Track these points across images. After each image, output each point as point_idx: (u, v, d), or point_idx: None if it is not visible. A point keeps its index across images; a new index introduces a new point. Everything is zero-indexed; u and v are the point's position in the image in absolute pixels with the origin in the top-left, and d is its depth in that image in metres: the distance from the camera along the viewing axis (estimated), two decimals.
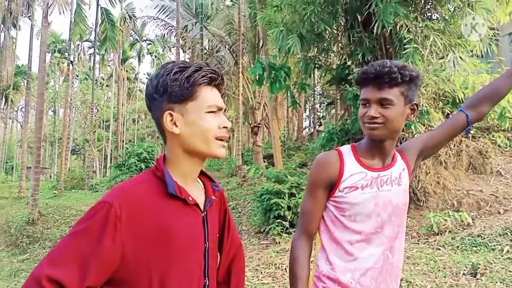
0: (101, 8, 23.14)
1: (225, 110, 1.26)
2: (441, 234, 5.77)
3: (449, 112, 6.98)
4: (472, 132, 7.45)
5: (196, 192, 1.27)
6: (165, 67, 1.21)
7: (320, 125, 26.64)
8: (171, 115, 1.19)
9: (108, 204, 1.09)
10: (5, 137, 36.53)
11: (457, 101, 6.79)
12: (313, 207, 1.60)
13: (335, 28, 7.69)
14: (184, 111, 1.19)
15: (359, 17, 6.58)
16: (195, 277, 1.22)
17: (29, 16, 23.21)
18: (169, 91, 1.17)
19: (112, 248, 1.07)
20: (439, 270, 4.60)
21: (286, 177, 7.84)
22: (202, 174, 1.37)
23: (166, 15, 20.63)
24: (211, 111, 1.21)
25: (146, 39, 42.90)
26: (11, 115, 40.08)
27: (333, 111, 23.08)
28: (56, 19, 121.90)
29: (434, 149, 1.77)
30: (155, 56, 44.71)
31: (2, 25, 23.11)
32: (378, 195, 1.55)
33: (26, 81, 22.77)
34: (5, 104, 27.80)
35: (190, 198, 1.21)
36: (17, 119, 44.07)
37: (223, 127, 1.23)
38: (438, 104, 7.01)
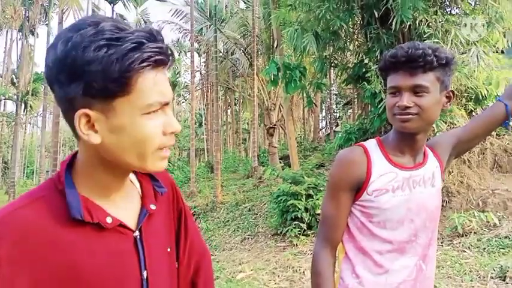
0: (116, 13, 23.39)
1: (167, 104, 0.82)
2: (466, 235, 5.56)
3: (472, 109, 6.75)
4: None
5: (126, 205, 0.90)
6: (81, 32, 0.73)
7: (337, 125, 26.34)
8: (88, 116, 0.75)
9: None
10: (24, 142, 37.22)
11: (480, 97, 6.56)
12: (336, 213, 1.38)
13: (351, 26, 7.54)
14: (109, 110, 0.76)
15: (376, 13, 6.42)
16: None
17: (46, 23, 23.60)
18: (86, 78, 0.72)
19: None
20: (465, 274, 4.42)
21: (303, 178, 7.69)
22: (140, 173, 0.98)
23: (181, 19, 20.74)
24: (152, 111, 0.78)
25: None
26: (31, 120, 40.87)
27: (350, 111, 22.82)
28: None
29: (470, 143, 1.55)
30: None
31: (20, 33, 23.55)
32: (411, 198, 1.34)
33: (43, 87, 23.11)
34: (24, 110, 28.28)
35: (109, 220, 0.83)
36: (37, 125, 44.89)
37: (170, 132, 0.82)
38: (461, 101, 6.77)
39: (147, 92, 0.76)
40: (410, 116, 1.27)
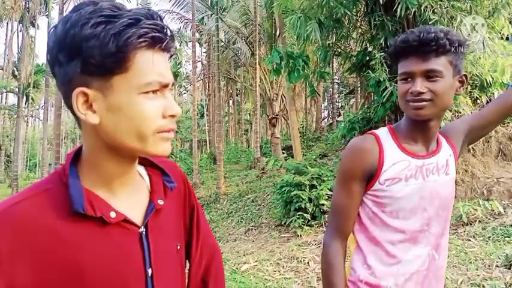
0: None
1: (173, 85, 0.82)
2: (471, 224, 5.53)
3: (477, 96, 6.67)
4: None
5: (133, 199, 0.88)
6: (80, 11, 0.73)
7: (339, 115, 26.28)
8: (85, 95, 0.75)
9: None
10: (27, 135, 37.30)
11: (485, 84, 6.47)
12: (347, 203, 1.35)
13: (354, 13, 7.42)
14: (107, 89, 0.75)
15: (380, 0, 6.30)
16: None
17: (47, 14, 23.49)
18: (83, 55, 0.72)
19: None
20: (471, 263, 4.39)
21: (307, 168, 7.65)
22: (150, 165, 0.96)
23: (181, 8, 20.57)
24: (151, 91, 0.77)
25: None
26: (33, 113, 40.89)
27: (352, 100, 22.71)
28: None
29: (483, 130, 1.52)
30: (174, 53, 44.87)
31: (20, 24, 23.46)
32: (424, 186, 1.31)
33: (45, 79, 23.07)
34: (26, 103, 28.27)
35: (113, 215, 0.81)
36: (39, 117, 44.91)
37: (170, 115, 0.80)
38: (466, 88, 6.69)
39: (145, 71, 0.75)
40: (424, 102, 1.23)
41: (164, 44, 0.77)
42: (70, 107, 0.77)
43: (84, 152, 0.83)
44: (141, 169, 0.94)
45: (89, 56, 0.72)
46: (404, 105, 1.29)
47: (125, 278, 0.83)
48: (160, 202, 0.90)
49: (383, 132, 1.37)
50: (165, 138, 0.80)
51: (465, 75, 1.32)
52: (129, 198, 0.87)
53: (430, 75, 1.23)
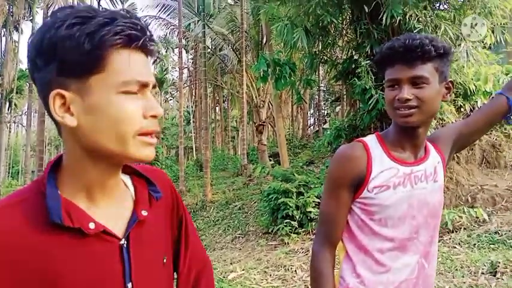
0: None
1: (154, 87, 0.80)
2: (456, 231, 5.57)
3: (461, 104, 6.77)
4: None
5: (115, 210, 0.84)
6: (56, 15, 0.73)
7: (325, 122, 26.41)
8: (63, 97, 0.73)
9: None
10: (9, 142, 36.62)
11: (469, 92, 6.59)
12: (336, 211, 1.34)
13: (340, 21, 7.50)
14: (84, 90, 0.73)
15: (366, 8, 6.38)
16: None
17: (31, 19, 23.17)
18: (59, 56, 0.71)
19: None
20: (457, 270, 4.41)
21: (294, 175, 7.65)
22: (136, 174, 0.92)
23: (168, 15, 20.52)
24: (129, 92, 0.74)
25: None
26: (15, 119, 40.20)
27: (338, 108, 22.86)
28: None
29: (471, 137, 1.53)
30: (158, 57, 44.73)
31: (3, 29, 23.11)
32: (412, 194, 1.31)
33: (28, 84, 22.73)
34: (8, 109, 27.79)
35: (92, 226, 0.77)
36: (22, 123, 44.22)
37: (151, 116, 0.77)
38: (450, 96, 6.78)
39: (122, 69, 0.74)
40: (412, 109, 1.24)
41: (141, 42, 0.75)
42: (49, 111, 0.75)
43: (64, 159, 0.80)
44: (126, 178, 0.91)
45: (64, 57, 0.71)
46: (392, 113, 1.30)
47: None
48: (144, 213, 0.87)
49: (371, 139, 1.37)
50: (147, 142, 0.77)
51: (451, 82, 1.33)
52: (112, 208, 0.83)
53: (416, 82, 1.24)
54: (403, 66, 1.25)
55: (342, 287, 1.36)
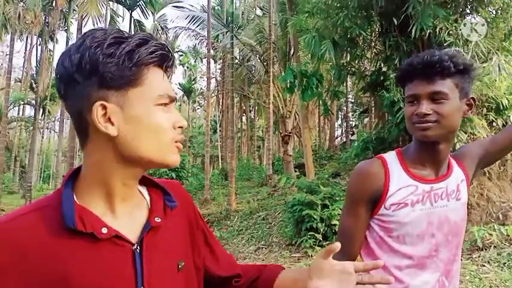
0: (134, 20, 23.65)
1: (174, 101, 0.88)
2: (486, 249, 5.41)
3: (493, 119, 6.59)
4: None
5: (131, 217, 0.88)
6: (93, 36, 0.80)
7: (352, 134, 26.13)
8: (104, 107, 0.79)
9: None
10: (42, 147, 37.78)
11: (501, 107, 6.42)
12: (354, 226, 1.35)
13: (369, 33, 7.45)
14: (124, 102, 0.81)
15: (395, 21, 6.32)
16: None
17: (65, 29, 24.00)
18: (101, 71, 0.78)
19: None
20: None
21: (319, 187, 7.58)
22: (152, 185, 0.97)
23: (197, 26, 20.87)
24: (163, 104, 0.84)
25: (178, 50, 43.75)
26: (48, 125, 41.49)
27: (366, 119, 22.60)
28: None
29: (498, 155, 1.51)
30: (187, 67, 45.41)
31: (39, 38, 23.98)
32: (432, 212, 1.30)
33: None
34: (42, 115, 28.72)
35: (104, 231, 0.81)
36: (54, 129, 45.64)
37: (179, 127, 0.87)
38: (482, 111, 6.61)
39: (157, 84, 0.84)
40: (430, 124, 1.24)
41: (170, 62, 0.86)
42: (83, 123, 0.82)
43: (86, 168, 0.86)
44: (143, 189, 0.96)
45: (106, 71, 0.78)
46: (411, 127, 1.30)
47: None
48: (158, 220, 0.90)
49: (391, 156, 1.37)
50: (178, 149, 0.87)
51: (473, 98, 1.32)
52: (127, 216, 0.88)
53: (435, 98, 1.24)
54: (422, 81, 1.25)
55: None
